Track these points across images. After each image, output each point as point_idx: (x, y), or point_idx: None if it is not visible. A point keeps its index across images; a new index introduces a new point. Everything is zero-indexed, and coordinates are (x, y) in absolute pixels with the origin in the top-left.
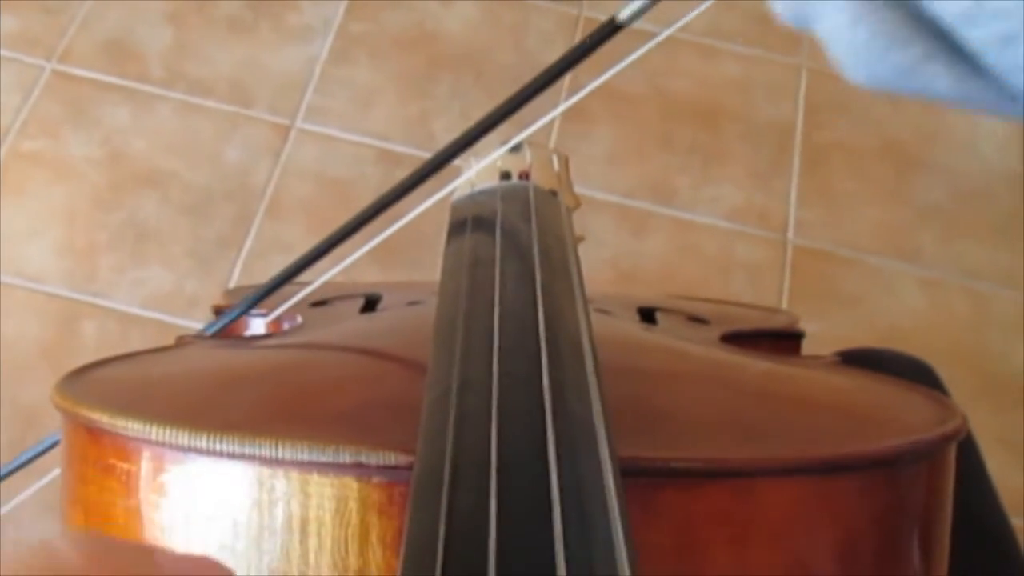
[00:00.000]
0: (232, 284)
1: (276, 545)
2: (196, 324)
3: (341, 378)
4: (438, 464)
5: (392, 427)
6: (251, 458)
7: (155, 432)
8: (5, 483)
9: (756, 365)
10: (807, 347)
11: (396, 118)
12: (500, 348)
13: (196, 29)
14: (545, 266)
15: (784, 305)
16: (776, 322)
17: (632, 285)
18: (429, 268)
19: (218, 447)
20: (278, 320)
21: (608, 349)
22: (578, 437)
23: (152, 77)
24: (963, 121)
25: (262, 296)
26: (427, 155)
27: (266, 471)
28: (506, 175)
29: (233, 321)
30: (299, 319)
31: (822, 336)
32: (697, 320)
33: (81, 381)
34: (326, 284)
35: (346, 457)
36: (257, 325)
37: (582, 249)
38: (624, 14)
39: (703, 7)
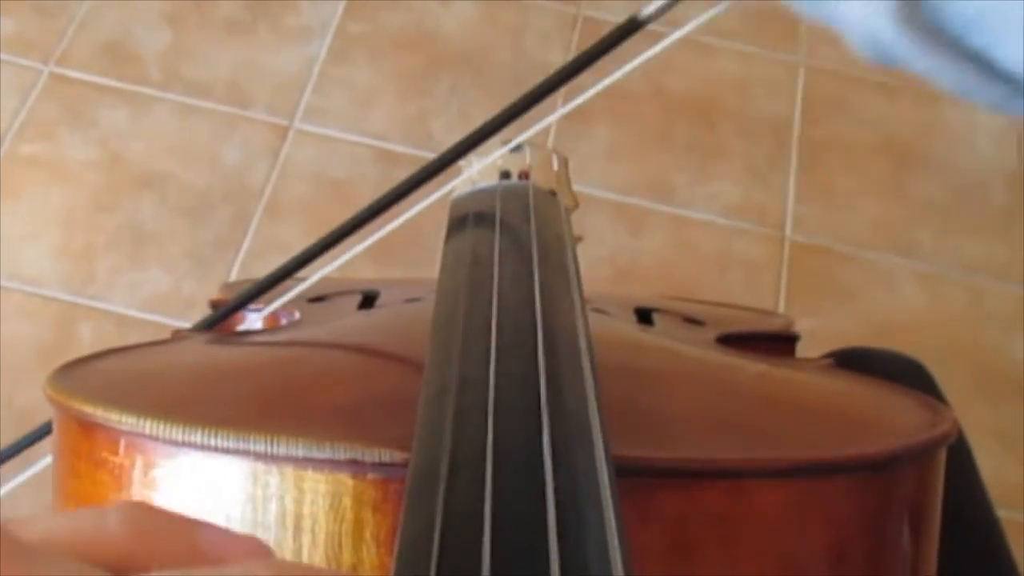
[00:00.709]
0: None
1: (269, 541)
2: None
3: (337, 374)
4: (434, 461)
5: (388, 424)
6: (245, 453)
7: (149, 426)
8: (4, 468)
9: (751, 367)
10: (805, 341)
11: (395, 118)
12: (497, 346)
13: (194, 30)
14: (543, 265)
15: (782, 301)
16: (771, 325)
17: (630, 282)
18: (428, 267)
19: (212, 442)
20: (275, 315)
21: (605, 349)
22: (574, 436)
23: (150, 79)
24: (960, 116)
25: (257, 293)
26: (426, 154)
27: (260, 467)
28: (506, 174)
29: (228, 316)
30: (296, 315)
31: (820, 331)
32: (693, 321)
33: (74, 374)
34: (324, 280)
35: (341, 453)
36: (254, 320)
37: (580, 247)
38: (646, 12)
39: (716, 11)
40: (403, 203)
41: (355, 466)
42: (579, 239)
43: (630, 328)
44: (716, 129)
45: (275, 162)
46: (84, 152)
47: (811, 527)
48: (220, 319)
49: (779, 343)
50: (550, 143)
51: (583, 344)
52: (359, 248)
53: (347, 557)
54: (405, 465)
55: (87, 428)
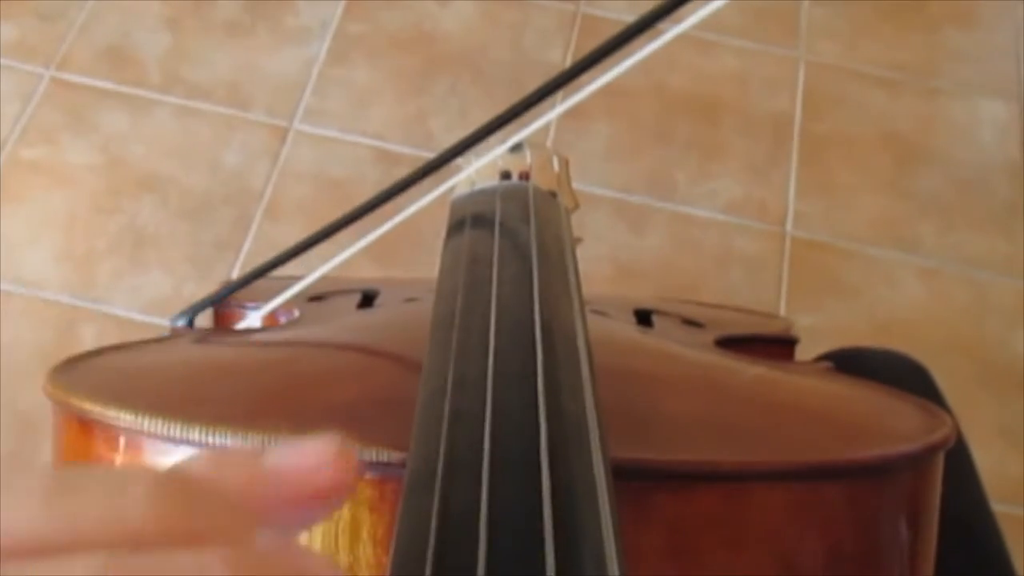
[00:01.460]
0: None
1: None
2: None
3: (335, 373)
4: (431, 461)
5: (385, 423)
6: None
7: (147, 423)
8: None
9: (749, 370)
10: (807, 337)
11: (394, 118)
12: (496, 347)
13: (193, 33)
14: (543, 266)
15: (783, 297)
16: (770, 328)
17: (631, 280)
18: (427, 267)
19: (210, 439)
20: (274, 314)
21: (603, 350)
22: (571, 437)
23: (150, 82)
24: (962, 111)
25: (248, 280)
26: (426, 154)
27: None
28: (506, 175)
29: (215, 303)
30: (296, 313)
31: (822, 328)
32: (692, 324)
33: (74, 370)
34: (323, 279)
35: None
36: (253, 318)
37: (581, 245)
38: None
39: (715, 7)
40: (403, 201)
41: None
42: (579, 240)
43: (629, 330)
44: (716, 126)
45: (275, 163)
46: (85, 156)
47: (809, 530)
48: (206, 306)
49: (778, 346)
50: (550, 141)
51: (582, 345)
52: (359, 246)
53: (343, 557)
54: (402, 465)
55: (86, 425)
